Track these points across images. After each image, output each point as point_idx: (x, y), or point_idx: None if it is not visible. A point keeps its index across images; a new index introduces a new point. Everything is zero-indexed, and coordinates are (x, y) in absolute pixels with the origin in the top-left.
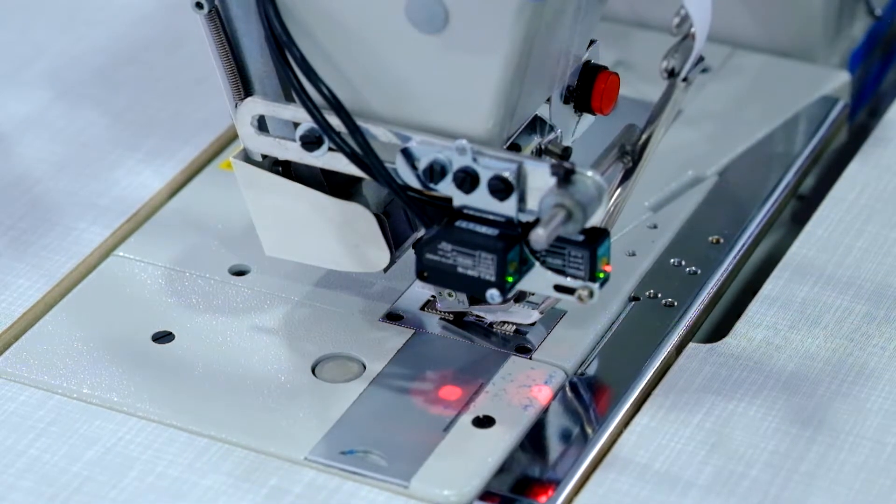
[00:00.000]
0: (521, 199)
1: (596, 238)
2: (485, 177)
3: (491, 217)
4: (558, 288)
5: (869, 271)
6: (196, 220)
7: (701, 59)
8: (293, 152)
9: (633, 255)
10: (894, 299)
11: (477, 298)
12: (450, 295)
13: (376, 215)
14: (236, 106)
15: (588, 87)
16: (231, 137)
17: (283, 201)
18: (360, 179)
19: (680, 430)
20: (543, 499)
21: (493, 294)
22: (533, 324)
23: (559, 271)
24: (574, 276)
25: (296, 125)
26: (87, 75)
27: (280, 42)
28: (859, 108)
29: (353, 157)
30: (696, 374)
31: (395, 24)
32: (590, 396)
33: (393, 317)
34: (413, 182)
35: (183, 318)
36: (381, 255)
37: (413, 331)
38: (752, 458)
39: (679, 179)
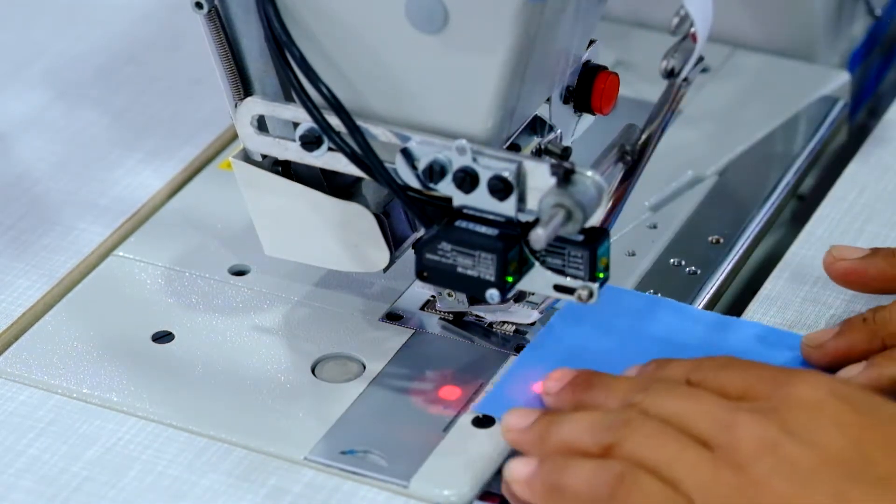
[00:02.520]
0: (521, 199)
1: (596, 238)
2: (484, 177)
3: (491, 217)
4: (558, 288)
5: None
6: (196, 220)
7: (701, 58)
8: (293, 152)
9: (633, 255)
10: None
11: (477, 298)
12: (450, 295)
13: (376, 215)
14: (236, 106)
15: (588, 87)
16: (231, 137)
17: (283, 201)
18: (360, 179)
19: None
20: None
21: (492, 294)
22: (533, 324)
23: (559, 271)
24: (574, 276)
25: (296, 125)
26: (86, 75)
27: (280, 42)
28: (859, 108)
29: (352, 157)
30: None
31: (394, 24)
32: None
33: (393, 317)
34: (413, 182)
35: (183, 318)
36: (381, 255)
37: (413, 331)
38: None
39: (679, 179)
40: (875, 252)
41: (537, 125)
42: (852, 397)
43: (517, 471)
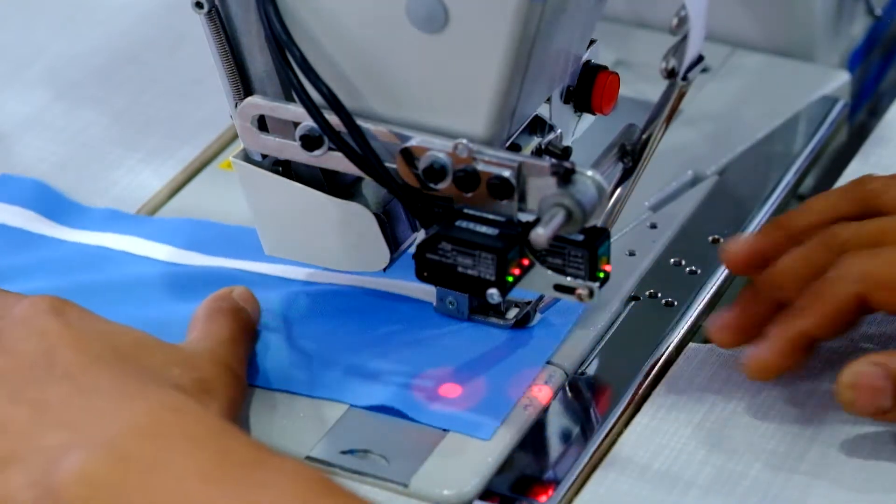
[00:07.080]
0: (521, 199)
1: (596, 237)
2: (484, 177)
3: (491, 217)
4: (558, 287)
5: None
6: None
7: (701, 58)
8: (293, 152)
9: (633, 254)
10: None
11: (475, 309)
12: (451, 304)
13: (376, 215)
14: (236, 106)
15: (588, 87)
16: (231, 137)
17: (283, 201)
18: (360, 179)
19: (680, 430)
20: (543, 498)
21: (492, 294)
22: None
23: (559, 271)
24: (574, 276)
25: (296, 125)
26: (87, 75)
27: (280, 42)
28: (859, 108)
29: (352, 157)
30: (696, 374)
31: (395, 24)
32: (590, 396)
33: None
34: (413, 182)
35: None
36: (381, 254)
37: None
38: (752, 458)
39: (679, 179)
40: (759, 232)
41: (537, 125)
42: (68, 314)
43: None
